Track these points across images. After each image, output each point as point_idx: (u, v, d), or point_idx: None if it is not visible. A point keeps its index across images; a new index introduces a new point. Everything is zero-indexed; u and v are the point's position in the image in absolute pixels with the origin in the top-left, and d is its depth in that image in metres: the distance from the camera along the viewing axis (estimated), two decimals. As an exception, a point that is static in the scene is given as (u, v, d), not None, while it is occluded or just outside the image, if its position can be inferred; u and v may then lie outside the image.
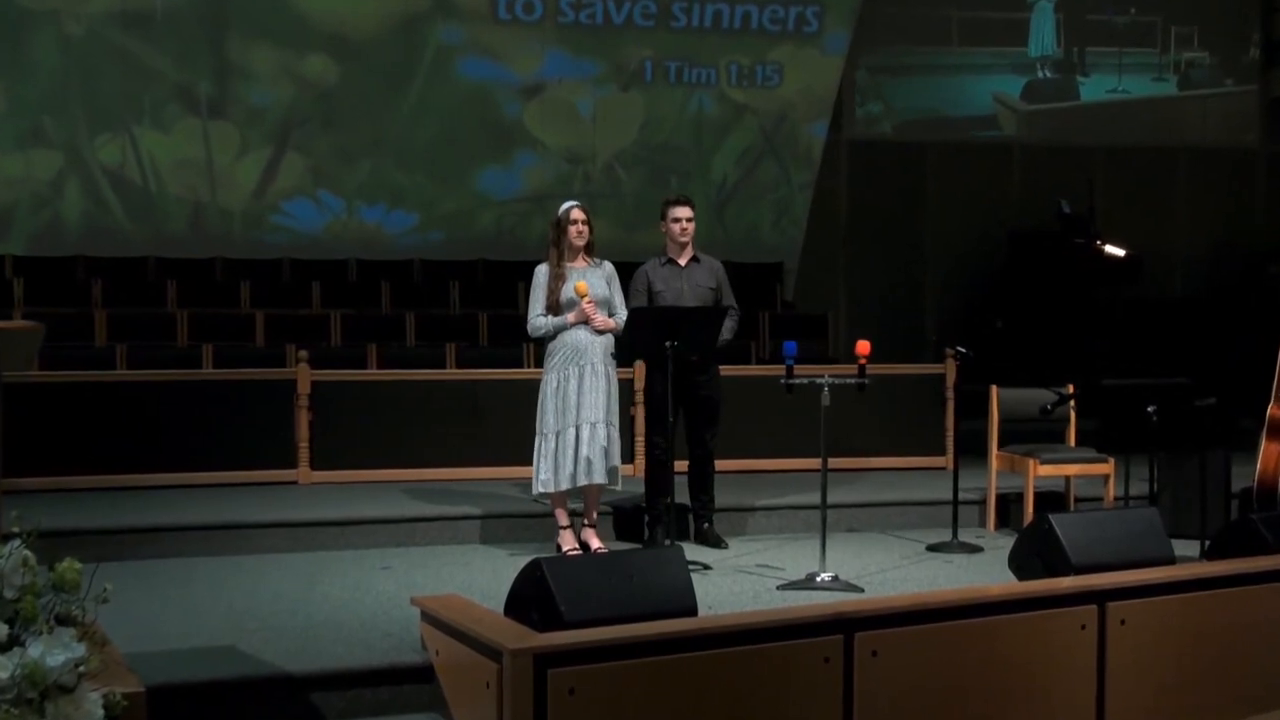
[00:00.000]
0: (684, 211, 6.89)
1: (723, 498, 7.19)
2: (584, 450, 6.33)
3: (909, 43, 12.92)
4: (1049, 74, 13.32)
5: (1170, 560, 5.22)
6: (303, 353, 8.31)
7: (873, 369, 6.42)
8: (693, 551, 6.42)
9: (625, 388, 7.45)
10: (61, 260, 10.46)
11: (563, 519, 6.58)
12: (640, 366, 7.89)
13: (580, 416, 6.37)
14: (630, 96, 11.81)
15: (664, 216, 6.95)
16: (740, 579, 6.18)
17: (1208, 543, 6.05)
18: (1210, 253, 13.31)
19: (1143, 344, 11.52)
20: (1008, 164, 13.09)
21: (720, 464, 7.14)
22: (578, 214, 6.53)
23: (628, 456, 7.48)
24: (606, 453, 6.38)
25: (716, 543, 6.92)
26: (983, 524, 7.66)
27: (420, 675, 4.53)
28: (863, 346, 6.28)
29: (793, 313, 11.39)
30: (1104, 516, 5.68)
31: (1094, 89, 13.39)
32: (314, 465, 8.10)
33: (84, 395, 7.91)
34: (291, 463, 8.08)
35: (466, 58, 11.40)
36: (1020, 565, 5.32)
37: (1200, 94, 13.64)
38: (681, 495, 6.92)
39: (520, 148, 11.60)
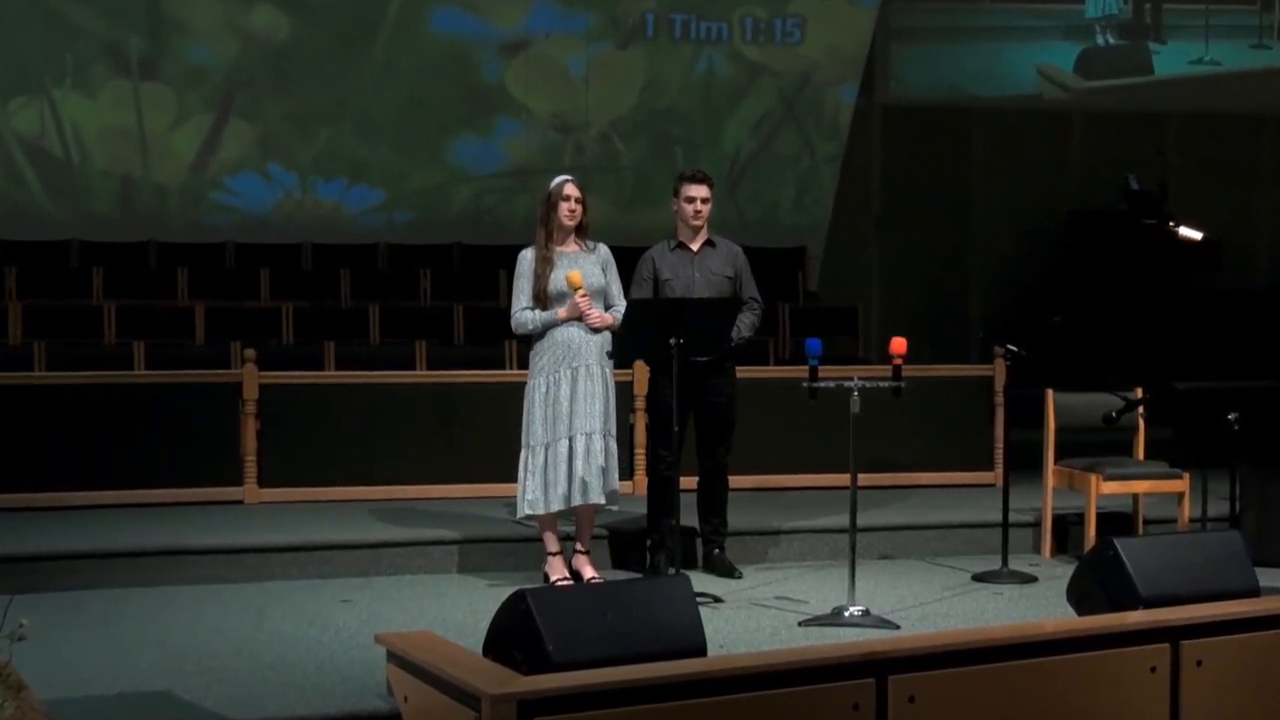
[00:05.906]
0: (700, 190, 6.89)
1: (736, 520, 7.19)
2: (578, 466, 6.33)
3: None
4: (1112, 39, 12.56)
5: (1254, 592, 5.23)
6: (249, 352, 8.32)
7: (909, 370, 6.42)
8: (701, 582, 6.42)
9: (624, 392, 7.45)
10: (-31, 245, 10.48)
11: (551, 544, 6.58)
12: (641, 368, 7.90)
13: (573, 427, 6.36)
14: (629, 55, 11.82)
15: (676, 194, 6.94)
16: (756, 613, 6.19)
17: (1298, 572, 6.07)
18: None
19: (1223, 341, 11.54)
20: (1066, 133, 13.02)
21: (734, 480, 7.14)
22: (571, 190, 6.54)
23: (627, 472, 7.49)
24: (604, 469, 6.39)
25: (729, 571, 6.93)
26: (1037, 550, 7.67)
27: (386, 725, 4.54)
28: (898, 344, 6.29)
29: (817, 305, 11.41)
30: (1178, 541, 5.70)
31: (1172, 60, 12.43)
32: (262, 482, 8.11)
33: (-4, 401, 7.92)
34: (236, 479, 8.08)
35: (439, 9, 11.41)
36: (1081, 597, 5.33)
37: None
38: (689, 517, 6.92)
39: (501, 114, 11.62)
